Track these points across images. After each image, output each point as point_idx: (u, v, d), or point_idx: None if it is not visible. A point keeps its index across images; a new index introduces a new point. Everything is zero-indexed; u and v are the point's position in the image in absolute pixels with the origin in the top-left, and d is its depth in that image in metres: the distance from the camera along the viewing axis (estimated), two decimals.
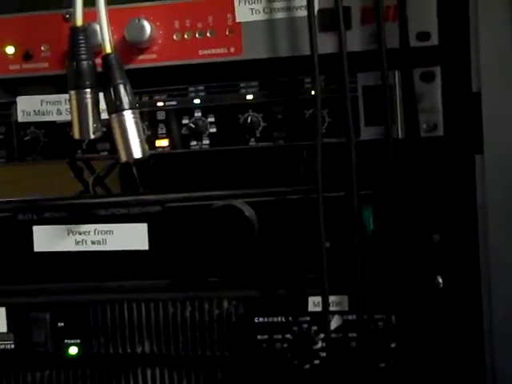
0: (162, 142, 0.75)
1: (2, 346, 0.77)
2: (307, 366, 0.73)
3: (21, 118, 0.77)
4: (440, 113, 0.70)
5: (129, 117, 0.67)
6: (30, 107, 0.77)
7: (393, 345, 0.71)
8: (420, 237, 0.69)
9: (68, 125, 0.76)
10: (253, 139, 0.74)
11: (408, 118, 0.69)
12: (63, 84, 0.72)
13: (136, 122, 0.67)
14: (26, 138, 0.77)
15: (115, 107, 0.67)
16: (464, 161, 0.69)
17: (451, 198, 0.70)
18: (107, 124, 0.69)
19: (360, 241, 0.69)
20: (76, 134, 0.68)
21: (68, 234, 0.76)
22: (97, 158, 0.80)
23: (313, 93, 0.71)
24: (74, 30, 0.67)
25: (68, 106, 0.73)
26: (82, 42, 0.66)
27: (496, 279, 0.68)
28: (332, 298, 0.71)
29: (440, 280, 0.69)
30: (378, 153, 0.70)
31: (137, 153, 0.67)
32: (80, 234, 0.76)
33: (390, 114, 0.68)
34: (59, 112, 0.76)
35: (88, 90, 0.67)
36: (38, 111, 0.76)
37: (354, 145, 0.68)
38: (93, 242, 0.75)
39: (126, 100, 0.67)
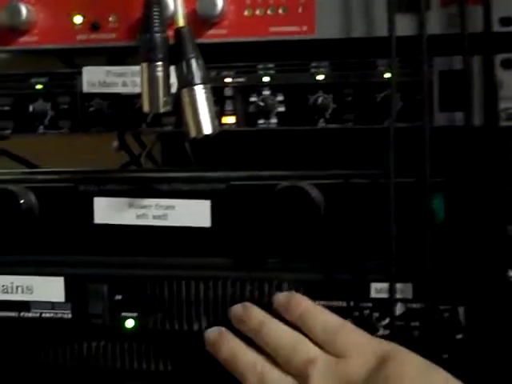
0: (229, 119, 0.73)
1: (60, 316, 0.75)
2: None
3: (86, 89, 0.75)
4: None
5: (200, 92, 0.65)
6: (95, 78, 0.74)
7: (458, 336, 0.69)
8: (493, 228, 0.66)
9: (133, 97, 0.74)
10: (322, 120, 0.71)
11: (486, 105, 0.65)
12: (129, 55, 0.69)
13: (207, 98, 0.65)
14: (90, 109, 0.75)
15: (187, 81, 0.64)
16: None
17: None
18: (175, 98, 0.67)
19: (430, 229, 0.66)
20: (145, 107, 0.66)
21: (129, 207, 0.74)
22: (162, 132, 0.77)
23: (386, 75, 0.68)
24: (149, 2, 0.64)
25: (133, 79, 0.72)
26: (156, 14, 0.64)
27: None
28: (396, 286, 0.69)
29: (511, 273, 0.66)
30: (452, 140, 0.67)
31: (207, 129, 0.65)
32: (141, 207, 0.74)
33: (468, 101, 0.65)
34: (125, 84, 0.74)
35: (160, 63, 0.65)
36: (104, 82, 0.74)
37: (429, 130, 0.64)
38: (154, 217, 0.74)
39: (198, 74, 0.64)
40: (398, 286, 0.69)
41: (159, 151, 0.98)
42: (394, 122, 0.65)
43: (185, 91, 0.65)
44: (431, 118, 0.67)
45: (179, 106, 0.67)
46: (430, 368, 0.63)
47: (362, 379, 0.62)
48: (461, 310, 0.69)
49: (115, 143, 0.93)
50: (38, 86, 0.76)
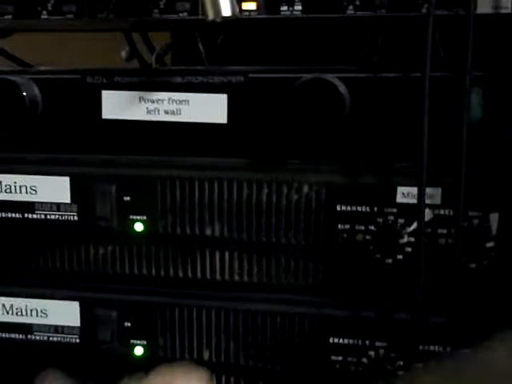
0: (249, 5, 0.64)
1: (65, 217, 0.69)
2: (389, 261, 0.64)
3: None
4: None
5: None
6: None
7: (488, 244, 0.62)
8: None
9: None
10: (351, 7, 0.62)
11: None
12: None
13: None
14: None
15: None
16: None
17: None
18: None
19: (466, 128, 0.59)
20: None
21: (139, 101, 0.66)
22: (175, 21, 0.69)
23: None
24: None
25: None
26: None
27: None
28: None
29: None
30: (495, 29, 0.58)
31: (226, 10, 0.56)
32: (153, 102, 0.66)
33: None
34: None
35: None
36: None
37: (472, 18, 0.56)
38: (166, 112, 0.66)
39: None
40: (427, 190, 0.62)
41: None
42: (433, 8, 0.57)
43: None
44: (475, 3, 0.59)
45: None
46: None
47: None
48: (492, 216, 0.62)
49: (124, 52, 0.84)
50: None
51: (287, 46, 0.74)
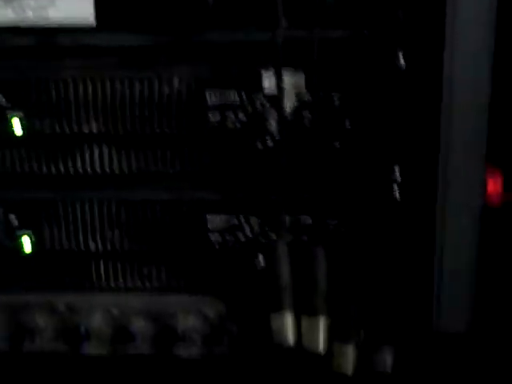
0: None
1: None
2: (260, 147, 0.69)
3: None
4: None
5: None
6: None
7: (347, 124, 0.67)
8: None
9: None
10: None
11: None
12: None
13: None
14: None
15: None
16: None
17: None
18: None
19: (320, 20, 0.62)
20: None
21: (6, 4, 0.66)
22: None
23: None
24: None
25: None
26: None
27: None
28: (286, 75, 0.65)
29: (402, 61, 0.64)
30: None
31: None
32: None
33: None
34: None
35: None
36: None
37: None
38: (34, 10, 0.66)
39: None
40: (291, 77, 0.66)
41: None
42: None
43: None
44: None
45: None
46: None
47: None
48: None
49: None
50: None
51: None
